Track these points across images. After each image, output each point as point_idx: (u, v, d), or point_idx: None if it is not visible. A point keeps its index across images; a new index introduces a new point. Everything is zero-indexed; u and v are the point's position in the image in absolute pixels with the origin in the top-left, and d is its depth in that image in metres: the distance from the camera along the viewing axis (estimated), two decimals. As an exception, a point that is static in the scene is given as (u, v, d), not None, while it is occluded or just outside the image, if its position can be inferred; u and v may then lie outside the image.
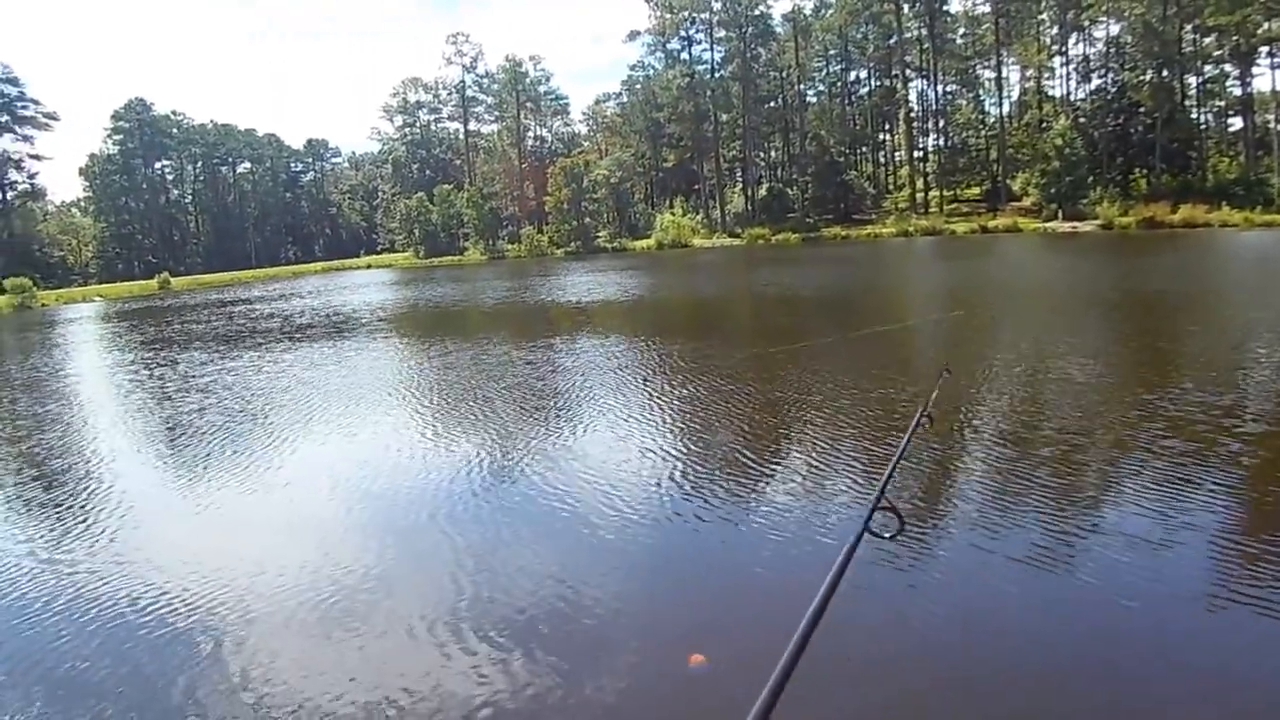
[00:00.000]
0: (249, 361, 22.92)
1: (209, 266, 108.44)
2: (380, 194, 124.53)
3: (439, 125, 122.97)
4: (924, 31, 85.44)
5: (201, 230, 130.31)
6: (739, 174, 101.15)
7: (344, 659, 6.19)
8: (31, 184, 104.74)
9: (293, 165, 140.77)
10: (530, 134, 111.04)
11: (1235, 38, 67.86)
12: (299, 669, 6.08)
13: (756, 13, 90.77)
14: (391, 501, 9.90)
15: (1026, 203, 72.71)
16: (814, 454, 10.41)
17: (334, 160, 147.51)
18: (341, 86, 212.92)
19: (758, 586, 6.96)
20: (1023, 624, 6.17)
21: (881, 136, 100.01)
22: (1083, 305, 23.49)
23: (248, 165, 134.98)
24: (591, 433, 12.35)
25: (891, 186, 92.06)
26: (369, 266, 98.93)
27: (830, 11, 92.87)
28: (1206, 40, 72.55)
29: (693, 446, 11.18)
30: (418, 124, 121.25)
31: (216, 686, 5.91)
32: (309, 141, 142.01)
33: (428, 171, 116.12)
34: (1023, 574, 6.79)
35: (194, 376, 20.75)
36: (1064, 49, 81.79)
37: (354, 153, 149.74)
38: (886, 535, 2.55)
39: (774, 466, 10.15)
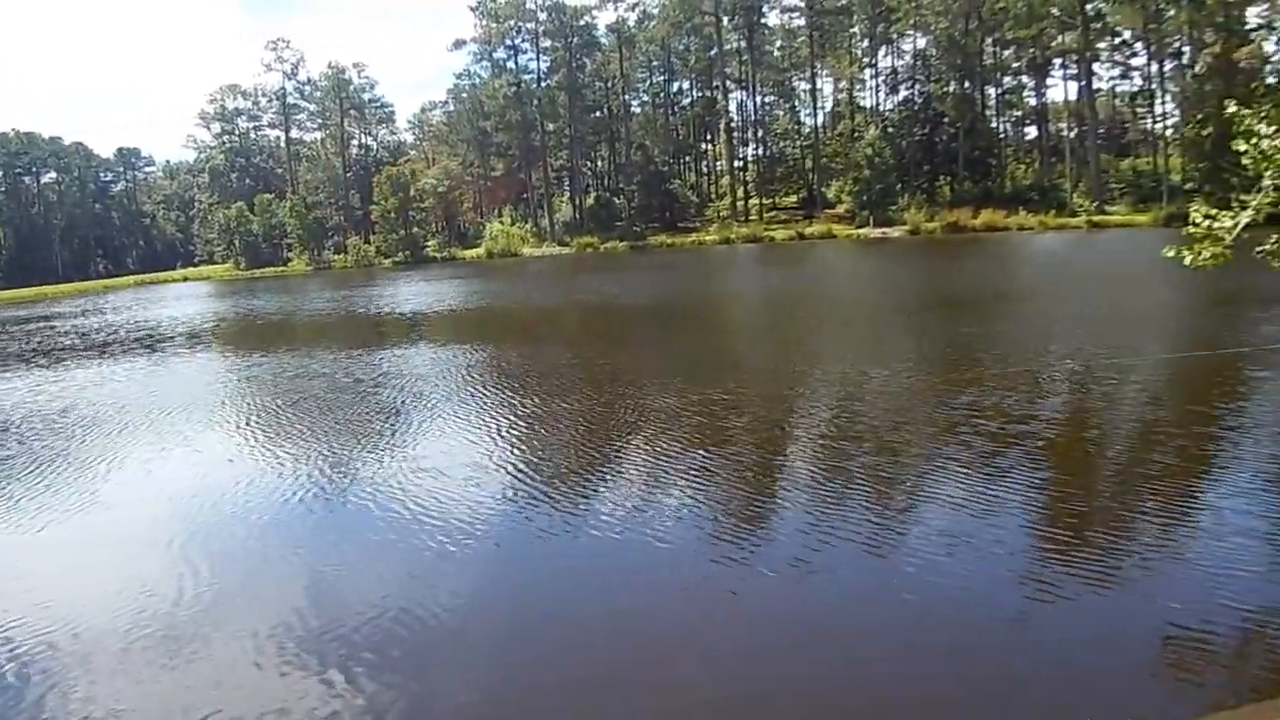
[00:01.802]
0: (35, 382, 22.56)
1: (10, 282, 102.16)
2: (197, 204, 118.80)
3: (259, 133, 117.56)
4: (743, 44, 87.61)
5: (3, 243, 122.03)
6: (567, 183, 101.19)
7: (174, 689, 5.96)
8: None
9: (102, 175, 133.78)
10: (355, 142, 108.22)
11: (1032, 50, 72.27)
12: (125, 703, 5.73)
13: (581, 23, 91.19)
14: (182, 522, 9.73)
15: (840, 209, 75.40)
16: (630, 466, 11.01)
17: (147, 170, 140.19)
18: (153, 93, 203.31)
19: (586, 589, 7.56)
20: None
21: (704, 146, 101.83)
22: (886, 312, 24.74)
23: (53, 175, 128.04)
24: (381, 445, 12.70)
25: (714, 195, 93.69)
26: (185, 279, 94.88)
27: (653, 23, 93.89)
28: (1005, 53, 77.12)
29: (477, 456, 11.25)
30: (236, 132, 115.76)
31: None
32: (119, 150, 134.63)
33: (248, 180, 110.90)
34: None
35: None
36: (874, 61, 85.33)
37: (168, 161, 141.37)
38: None
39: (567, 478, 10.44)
